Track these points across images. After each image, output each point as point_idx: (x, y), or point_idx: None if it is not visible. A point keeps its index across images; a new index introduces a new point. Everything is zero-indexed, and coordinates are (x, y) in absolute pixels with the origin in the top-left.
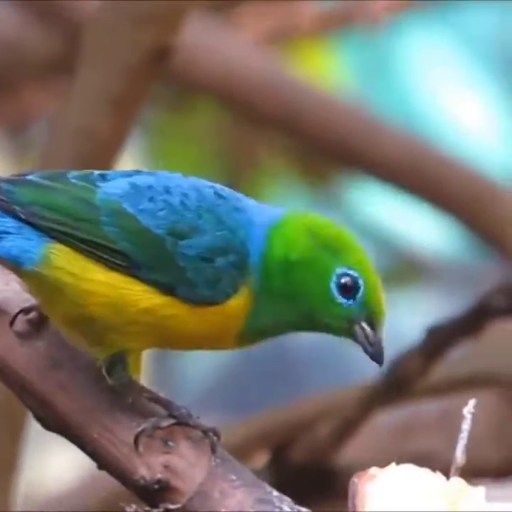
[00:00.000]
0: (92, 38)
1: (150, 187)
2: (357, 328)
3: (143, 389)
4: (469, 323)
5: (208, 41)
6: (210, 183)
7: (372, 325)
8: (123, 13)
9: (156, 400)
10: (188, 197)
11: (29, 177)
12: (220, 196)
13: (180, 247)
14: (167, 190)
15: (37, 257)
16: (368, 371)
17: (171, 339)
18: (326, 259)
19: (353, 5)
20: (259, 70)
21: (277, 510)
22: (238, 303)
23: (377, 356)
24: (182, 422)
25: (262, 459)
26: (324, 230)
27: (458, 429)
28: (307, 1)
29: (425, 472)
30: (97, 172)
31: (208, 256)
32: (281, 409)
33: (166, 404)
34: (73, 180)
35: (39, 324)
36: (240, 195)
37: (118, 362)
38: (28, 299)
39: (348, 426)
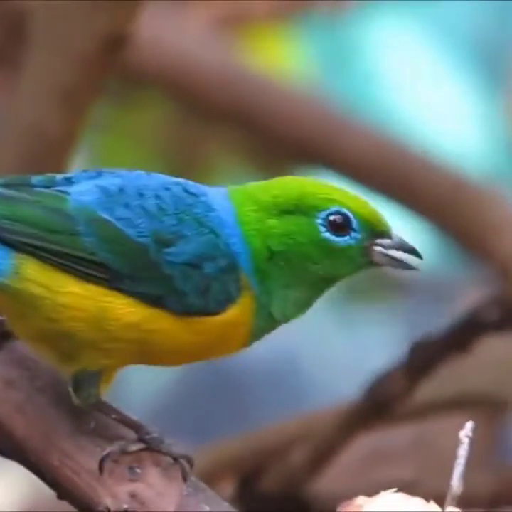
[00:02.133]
0: (42, 26)
1: (121, 190)
2: (373, 252)
3: (111, 409)
4: (458, 338)
5: (156, 30)
6: (174, 179)
7: (384, 238)
8: None
9: (125, 422)
10: (162, 199)
11: None
12: (190, 194)
13: (166, 254)
14: (140, 194)
15: (7, 269)
16: (315, 391)
17: (157, 355)
18: (302, 222)
19: None
20: (212, 61)
21: None
22: (241, 309)
23: (411, 252)
24: (152, 448)
25: (227, 487)
26: (279, 195)
27: (433, 456)
28: None
29: (417, 501)
30: (60, 176)
31: (196, 262)
32: (250, 434)
33: (136, 427)
34: (40, 189)
35: None
36: (202, 188)
37: (88, 379)
38: None
39: (324, 452)
